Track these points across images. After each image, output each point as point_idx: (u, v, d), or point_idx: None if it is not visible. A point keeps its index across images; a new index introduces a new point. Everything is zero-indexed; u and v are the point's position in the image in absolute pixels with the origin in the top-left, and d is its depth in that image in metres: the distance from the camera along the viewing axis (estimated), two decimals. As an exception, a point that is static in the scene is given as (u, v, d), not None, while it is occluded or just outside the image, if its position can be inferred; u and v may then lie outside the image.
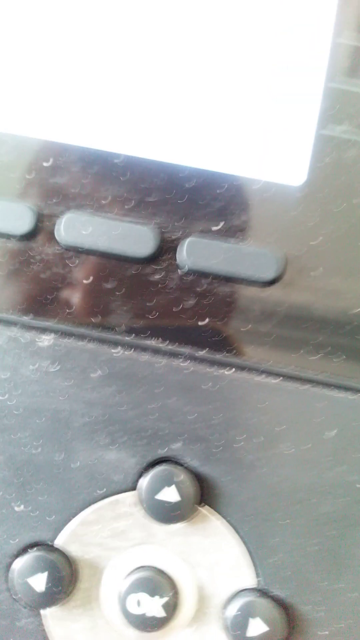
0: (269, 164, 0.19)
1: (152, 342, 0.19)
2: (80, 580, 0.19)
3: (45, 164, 0.19)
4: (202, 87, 0.19)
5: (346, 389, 0.19)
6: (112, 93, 0.19)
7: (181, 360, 0.19)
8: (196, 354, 0.19)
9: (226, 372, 0.19)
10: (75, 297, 0.19)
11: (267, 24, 0.19)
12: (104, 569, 0.19)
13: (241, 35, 0.19)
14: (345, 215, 0.19)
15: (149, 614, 0.18)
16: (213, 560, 0.19)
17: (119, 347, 0.19)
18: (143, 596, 0.18)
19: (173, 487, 0.18)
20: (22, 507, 0.19)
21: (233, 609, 0.18)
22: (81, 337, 0.19)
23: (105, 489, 0.19)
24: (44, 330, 0.19)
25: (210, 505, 0.19)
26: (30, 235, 0.19)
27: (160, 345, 0.19)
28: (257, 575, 0.19)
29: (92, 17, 0.19)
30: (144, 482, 0.18)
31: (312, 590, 0.19)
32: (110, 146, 0.19)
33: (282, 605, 0.19)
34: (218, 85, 0.19)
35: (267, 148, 0.19)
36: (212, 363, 0.19)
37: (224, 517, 0.19)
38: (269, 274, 0.18)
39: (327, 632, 0.19)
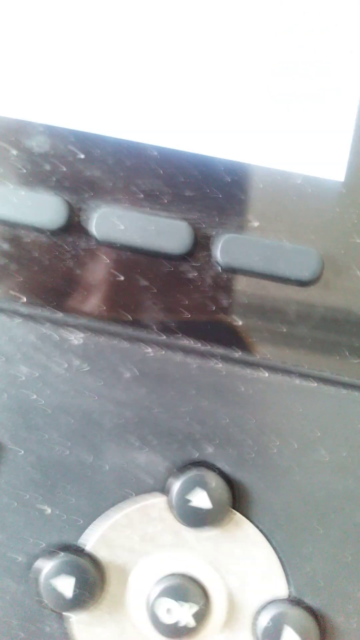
0: (309, 158, 0.19)
1: (186, 342, 0.18)
2: (108, 585, 0.18)
3: (80, 156, 0.18)
4: (241, 80, 0.19)
5: (385, 394, 0.18)
6: (150, 84, 0.18)
7: (215, 361, 0.18)
8: (231, 356, 0.18)
9: (261, 375, 0.18)
10: (108, 294, 0.18)
11: (308, 17, 0.19)
12: (134, 574, 0.18)
13: (282, 28, 0.19)
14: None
15: (180, 622, 0.18)
16: (244, 567, 0.18)
17: (152, 347, 0.18)
18: (173, 604, 0.18)
19: (205, 492, 0.18)
20: (50, 509, 0.18)
21: (265, 619, 0.18)
22: (113, 335, 0.18)
23: (135, 493, 0.18)
24: (75, 327, 0.18)
25: (242, 512, 0.18)
26: (63, 230, 0.18)
27: (194, 345, 0.18)
28: (291, 585, 0.18)
29: (125, 10, 0.18)
30: (175, 486, 0.18)
31: (346, 601, 0.18)
32: (147, 138, 0.19)
33: (315, 615, 0.18)
34: (257, 77, 0.19)
35: (308, 142, 0.19)
36: (247, 365, 0.18)
37: (256, 524, 0.18)
38: (308, 274, 0.18)
39: (361, 645, 0.18)
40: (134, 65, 0.18)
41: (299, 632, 0.18)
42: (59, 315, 0.18)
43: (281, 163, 0.19)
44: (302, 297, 0.18)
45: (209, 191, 0.18)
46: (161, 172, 0.18)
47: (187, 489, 0.18)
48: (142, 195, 0.18)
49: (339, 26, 0.19)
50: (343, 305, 0.18)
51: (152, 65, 0.19)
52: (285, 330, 0.18)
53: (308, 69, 0.19)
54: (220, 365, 0.18)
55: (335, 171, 0.19)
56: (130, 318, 0.18)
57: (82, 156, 0.18)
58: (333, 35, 0.19)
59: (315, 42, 0.19)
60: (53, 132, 0.18)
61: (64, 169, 0.18)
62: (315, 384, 0.18)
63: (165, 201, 0.18)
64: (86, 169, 0.18)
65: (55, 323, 0.18)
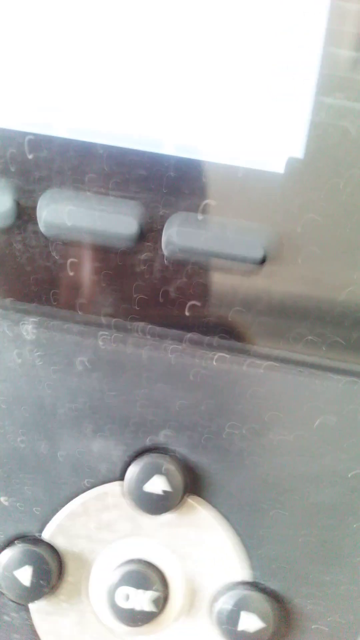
0: (252, 153, 0.19)
1: (139, 327, 0.18)
2: (67, 573, 0.18)
3: (28, 156, 0.18)
4: (187, 75, 0.19)
5: (338, 372, 0.18)
6: (98, 81, 0.19)
7: (168, 345, 0.18)
8: (184, 339, 0.18)
9: (214, 358, 0.18)
10: (58, 282, 0.19)
11: (254, 15, 0.19)
12: (92, 561, 0.18)
13: (226, 27, 0.19)
14: (332, 196, 0.18)
15: (138, 608, 0.18)
16: (203, 552, 0.18)
17: (105, 333, 0.18)
18: (131, 590, 0.18)
19: (161, 477, 0.18)
20: (7, 499, 0.18)
21: (223, 603, 0.18)
22: (66, 322, 0.18)
23: (92, 480, 0.18)
24: (27, 315, 0.18)
25: (199, 495, 0.18)
26: (13, 226, 0.18)
27: (147, 330, 0.18)
28: (248, 568, 0.18)
29: (79, 11, 0.19)
30: (130, 472, 0.18)
31: (306, 583, 0.18)
32: (92, 137, 0.19)
33: (275, 598, 0.18)
34: (203, 72, 0.19)
35: (250, 138, 0.19)
36: (200, 348, 0.18)
37: (214, 507, 0.18)
38: (256, 254, 0.18)
39: (322, 626, 0.18)
40: (73, 63, 0.19)
41: (257, 615, 0.17)
42: (9, 303, 0.18)
43: (225, 157, 0.19)
44: (252, 279, 0.18)
45: (156, 183, 0.18)
46: (107, 168, 0.18)
47: (141, 475, 0.18)
48: (89, 191, 0.18)
49: (282, 24, 0.19)
50: (292, 285, 0.18)
51: (98, 63, 0.19)
52: (236, 311, 0.18)
53: (252, 67, 0.19)
54: (172, 350, 0.18)
55: (279, 161, 0.19)
56: (82, 308, 0.18)
57: (30, 156, 0.18)
58: (275, 32, 0.19)
59: (258, 39, 0.19)
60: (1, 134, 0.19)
61: (12, 169, 0.18)
62: (268, 365, 0.18)
63: (113, 194, 0.18)
64: (33, 167, 0.18)
65: (6, 311, 0.18)
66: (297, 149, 0.19)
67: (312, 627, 0.18)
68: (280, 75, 0.19)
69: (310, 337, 0.18)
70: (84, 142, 0.18)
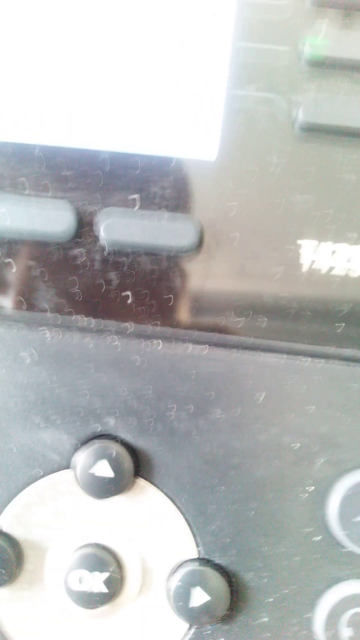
0: (182, 140, 0.20)
1: (80, 320, 0.19)
2: (26, 561, 0.19)
3: None
4: (107, 72, 0.20)
5: (271, 351, 0.19)
6: (21, 83, 0.20)
7: (111, 337, 0.19)
8: (123, 329, 0.19)
9: (153, 345, 0.19)
10: (1, 281, 0.20)
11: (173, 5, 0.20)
12: (48, 549, 0.19)
13: (141, 13, 0.20)
14: (259, 182, 0.19)
15: (92, 590, 0.18)
16: (154, 532, 0.19)
17: (49, 329, 0.19)
18: (85, 573, 0.18)
19: (107, 462, 0.18)
20: None
21: (174, 581, 0.18)
22: (8, 319, 0.19)
23: (45, 471, 0.19)
24: None
25: (147, 478, 0.19)
26: None
27: (88, 322, 0.19)
28: (198, 545, 0.18)
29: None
30: (79, 459, 0.19)
31: (254, 557, 0.18)
32: (24, 137, 0.20)
33: (224, 573, 0.18)
34: (127, 70, 0.20)
35: (178, 125, 0.20)
36: (140, 336, 0.19)
37: (161, 488, 0.19)
38: (188, 242, 0.19)
39: (272, 599, 0.18)
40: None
41: (208, 591, 0.18)
42: None
43: (157, 149, 0.20)
44: (186, 266, 0.19)
45: (90, 178, 0.19)
46: (45, 165, 0.19)
47: (89, 461, 0.18)
48: (26, 190, 0.19)
49: (203, 13, 0.20)
50: (224, 269, 0.19)
51: (21, 64, 0.20)
52: (172, 298, 0.19)
53: (173, 61, 0.20)
54: (116, 340, 0.19)
55: (206, 150, 0.19)
56: (25, 303, 0.19)
57: None
58: (197, 23, 0.20)
59: (176, 23, 0.20)
60: None
61: None
62: (205, 348, 0.19)
63: (50, 189, 0.19)
64: None
65: None
66: (226, 136, 0.19)
67: (264, 600, 0.18)
68: (194, 68, 0.20)
69: (243, 319, 0.19)
70: (15, 144, 0.19)
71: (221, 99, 0.19)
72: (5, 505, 0.19)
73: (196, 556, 0.19)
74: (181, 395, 0.19)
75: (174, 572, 0.19)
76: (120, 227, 0.19)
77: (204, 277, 0.19)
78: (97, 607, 0.18)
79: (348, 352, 0.19)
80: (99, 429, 0.19)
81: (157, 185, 0.19)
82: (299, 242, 0.19)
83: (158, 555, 0.19)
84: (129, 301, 0.19)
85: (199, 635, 0.19)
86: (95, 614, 0.19)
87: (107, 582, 0.18)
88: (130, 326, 0.19)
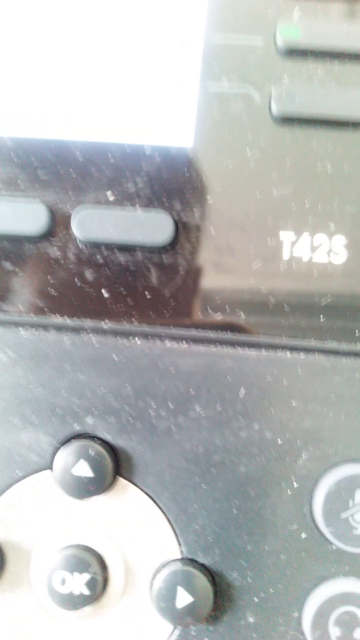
0: (156, 130, 0.19)
1: (58, 320, 0.19)
2: (9, 563, 0.19)
3: None
4: (80, 62, 0.20)
5: (251, 345, 0.18)
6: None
7: (87, 335, 0.19)
8: (101, 327, 0.19)
9: (132, 342, 0.19)
10: None
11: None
12: (31, 551, 0.19)
13: (113, 3, 0.20)
14: (234, 174, 0.19)
15: (74, 592, 0.18)
16: (136, 532, 0.18)
17: (25, 328, 0.19)
18: (67, 575, 0.18)
19: (86, 462, 0.18)
20: None
21: (158, 582, 0.18)
22: None
23: (24, 472, 0.19)
24: None
25: (127, 477, 0.18)
26: None
27: (66, 321, 0.19)
28: (180, 545, 0.18)
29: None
30: (58, 460, 0.18)
31: (238, 556, 0.18)
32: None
33: (208, 573, 0.18)
34: (102, 60, 0.20)
35: (152, 113, 0.19)
36: (117, 334, 0.19)
37: (142, 487, 0.18)
38: (163, 238, 0.18)
39: (257, 599, 0.18)
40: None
41: (191, 591, 0.18)
42: None
43: (131, 137, 0.20)
44: (162, 261, 0.19)
45: (63, 172, 0.19)
46: (16, 159, 0.19)
47: (68, 461, 0.18)
48: None
49: (175, 1, 0.20)
50: (201, 264, 0.19)
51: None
52: (150, 294, 0.19)
53: (146, 47, 0.20)
54: (92, 337, 0.19)
55: (181, 138, 0.19)
56: (1, 303, 0.19)
57: None
58: (170, 12, 0.20)
59: (153, 21, 0.20)
60: None
61: None
62: (183, 344, 0.18)
63: (22, 186, 0.19)
64: None
65: None
66: (202, 124, 0.19)
67: (254, 600, 0.18)
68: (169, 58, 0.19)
69: (220, 314, 0.18)
70: None
71: (195, 88, 0.19)
72: (-14, 508, 0.19)
73: (179, 556, 0.18)
74: (160, 392, 0.18)
75: (157, 572, 0.18)
76: (94, 224, 0.19)
77: (180, 272, 0.19)
78: (79, 608, 0.18)
79: (329, 344, 0.18)
80: (78, 429, 0.19)
81: (131, 178, 0.19)
82: (278, 233, 0.19)
83: (141, 555, 0.18)
84: (105, 298, 0.19)
85: (183, 636, 0.18)
86: (79, 615, 0.18)
87: (89, 584, 0.18)
88: (106, 323, 0.19)
